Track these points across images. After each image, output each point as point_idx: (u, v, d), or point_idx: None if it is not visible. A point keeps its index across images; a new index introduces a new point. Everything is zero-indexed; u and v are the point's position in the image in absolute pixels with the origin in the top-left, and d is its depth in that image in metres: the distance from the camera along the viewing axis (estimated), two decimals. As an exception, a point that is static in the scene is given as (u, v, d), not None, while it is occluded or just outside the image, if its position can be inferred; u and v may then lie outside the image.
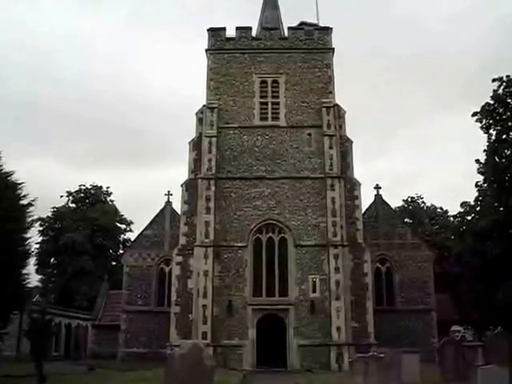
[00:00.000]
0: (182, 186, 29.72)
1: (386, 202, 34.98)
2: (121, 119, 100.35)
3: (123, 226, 56.07)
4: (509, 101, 28.94)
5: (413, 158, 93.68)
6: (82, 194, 55.87)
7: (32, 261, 39.13)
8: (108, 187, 57.22)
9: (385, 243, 33.19)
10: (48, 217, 52.27)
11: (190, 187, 29.40)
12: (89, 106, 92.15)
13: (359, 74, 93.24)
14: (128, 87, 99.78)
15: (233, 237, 28.16)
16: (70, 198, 55.32)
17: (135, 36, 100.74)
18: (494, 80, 29.36)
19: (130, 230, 55.64)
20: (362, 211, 30.57)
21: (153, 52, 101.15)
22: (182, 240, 29.08)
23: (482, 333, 30.82)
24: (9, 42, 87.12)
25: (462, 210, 32.28)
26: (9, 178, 20.12)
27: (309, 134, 29.83)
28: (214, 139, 29.25)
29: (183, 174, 30.18)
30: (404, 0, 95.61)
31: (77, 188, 55.77)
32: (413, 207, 52.86)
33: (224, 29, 31.55)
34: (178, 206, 31.90)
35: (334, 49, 31.33)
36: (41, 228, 51.65)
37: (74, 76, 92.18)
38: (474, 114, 29.54)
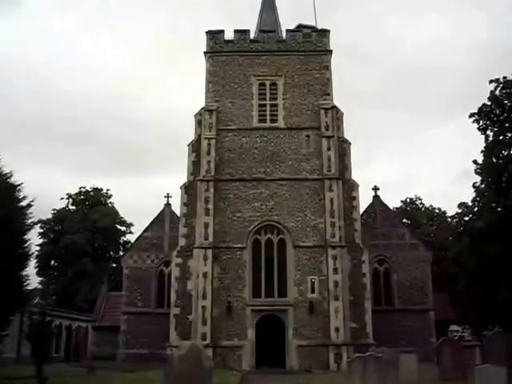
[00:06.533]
0: (181, 188, 29.84)
1: (384, 203, 35.09)
2: (120, 123, 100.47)
3: (123, 228, 56.18)
4: (505, 102, 29.10)
5: (411, 159, 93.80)
6: (82, 197, 55.98)
7: (32, 263, 39.40)
8: (108, 189, 57.42)
9: (383, 244, 33.32)
10: (48, 219, 52.44)
11: (189, 189, 29.51)
12: (90, 112, 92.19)
13: (357, 76, 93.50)
14: (126, 91, 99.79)
15: (232, 238, 28.29)
16: (70, 200, 55.44)
17: (134, 43, 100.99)
18: (491, 81, 29.51)
19: (130, 232, 55.80)
20: (361, 212, 30.68)
21: (152, 56, 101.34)
22: (182, 242, 29.20)
23: (479, 332, 30.89)
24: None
25: (459, 211, 32.38)
26: (8, 180, 20.18)
27: (307, 136, 29.97)
28: (212, 141, 29.38)
29: (183, 177, 30.37)
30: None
31: (77, 190, 55.96)
32: (411, 208, 53.06)
33: (222, 31, 31.72)
34: (177, 208, 32.04)
35: (331, 51, 31.49)
36: (41, 230, 51.85)
37: (77, 86, 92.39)
38: (472, 115, 29.69)
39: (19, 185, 20.24)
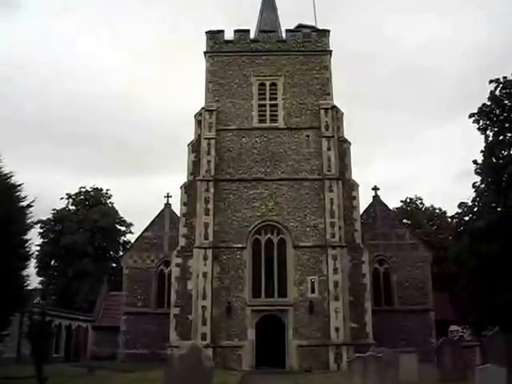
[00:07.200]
0: (181, 188, 29.85)
1: (384, 203, 35.09)
2: (120, 123, 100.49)
3: (123, 228, 56.16)
4: (505, 102, 29.14)
5: (411, 159, 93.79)
6: (82, 197, 55.94)
7: (32, 263, 39.34)
8: (108, 189, 57.40)
9: (383, 244, 33.31)
10: (48, 219, 52.42)
11: (189, 189, 29.51)
12: (90, 112, 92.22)
13: (357, 76, 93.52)
14: (126, 91, 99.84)
15: (232, 238, 28.28)
16: (70, 200, 55.41)
17: (134, 43, 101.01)
18: (491, 81, 29.58)
19: (130, 232, 55.74)
20: (361, 212, 30.68)
21: (152, 56, 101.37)
22: (182, 242, 29.21)
23: (479, 332, 30.93)
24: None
25: (459, 211, 32.44)
26: (8, 180, 20.19)
27: (307, 136, 29.96)
28: (212, 141, 29.38)
29: (183, 177, 30.37)
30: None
31: (77, 190, 55.95)
32: (411, 208, 53.04)
33: (222, 31, 31.71)
34: (177, 208, 32.03)
35: (331, 51, 31.49)
36: (41, 230, 51.84)
37: (77, 85, 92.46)
38: (472, 115, 29.73)
39: (19, 185, 20.25)
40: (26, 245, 20.49)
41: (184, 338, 25.78)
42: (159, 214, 35.84)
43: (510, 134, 29.24)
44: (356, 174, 30.20)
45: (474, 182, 30.33)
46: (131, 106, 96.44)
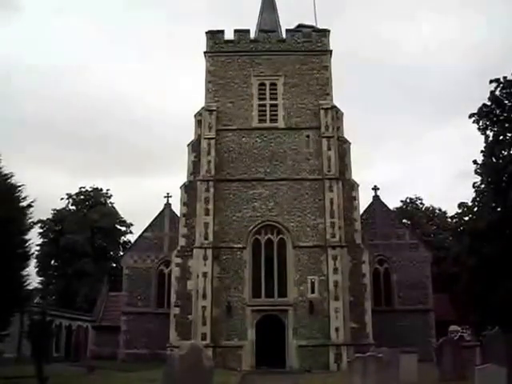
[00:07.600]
0: (181, 188, 29.86)
1: (384, 203, 35.12)
2: (120, 123, 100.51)
3: (123, 228, 56.21)
4: (505, 102, 29.16)
5: (412, 159, 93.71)
6: (82, 197, 55.95)
7: (32, 263, 39.32)
8: (108, 190, 57.40)
9: (383, 244, 33.33)
10: (48, 219, 52.46)
11: (189, 189, 29.53)
12: (90, 112, 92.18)
13: (357, 76, 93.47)
14: (125, 92, 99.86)
15: (232, 238, 28.30)
16: (70, 200, 55.43)
17: (134, 42, 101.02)
18: (491, 81, 29.59)
19: (130, 232, 55.84)
20: (361, 212, 30.69)
21: (152, 56, 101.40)
22: (182, 242, 29.23)
23: (479, 332, 30.90)
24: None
25: (459, 211, 32.48)
26: (9, 180, 20.20)
27: (307, 136, 29.97)
28: (212, 141, 29.39)
29: (183, 177, 30.38)
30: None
31: (77, 190, 55.97)
32: (411, 208, 53.04)
33: (222, 31, 31.69)
34: (177, 208, 32.04)
35: (331, 51, 31.49)
36: (41, 230, 51.87)
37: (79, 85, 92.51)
38: (472, 116, 29.74)
39: (20, 186, 20.26)
40: (26, 245, 20.50)
41: (184, 338, 25.76)
42: (159, 214, 35.85)
43: (510, 134, 29.25)
44: (356, 174, 30.29)
45: (474, 182, 30.36)
46: (131, 106, 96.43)
